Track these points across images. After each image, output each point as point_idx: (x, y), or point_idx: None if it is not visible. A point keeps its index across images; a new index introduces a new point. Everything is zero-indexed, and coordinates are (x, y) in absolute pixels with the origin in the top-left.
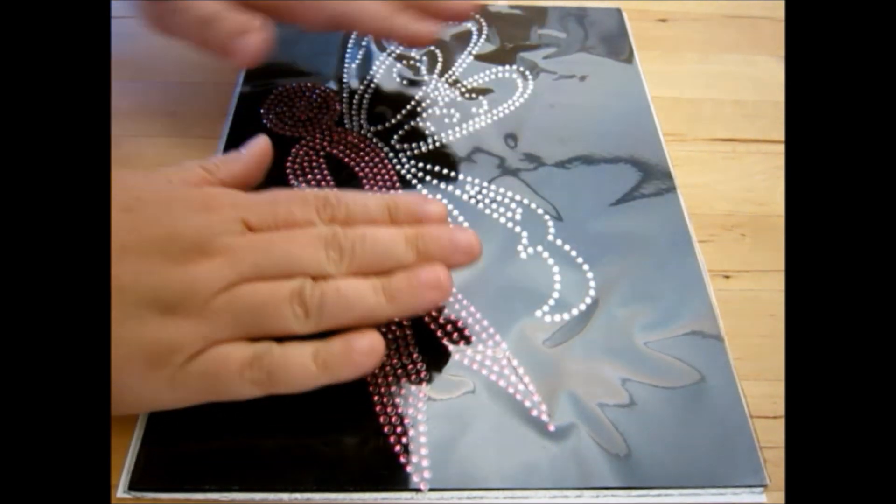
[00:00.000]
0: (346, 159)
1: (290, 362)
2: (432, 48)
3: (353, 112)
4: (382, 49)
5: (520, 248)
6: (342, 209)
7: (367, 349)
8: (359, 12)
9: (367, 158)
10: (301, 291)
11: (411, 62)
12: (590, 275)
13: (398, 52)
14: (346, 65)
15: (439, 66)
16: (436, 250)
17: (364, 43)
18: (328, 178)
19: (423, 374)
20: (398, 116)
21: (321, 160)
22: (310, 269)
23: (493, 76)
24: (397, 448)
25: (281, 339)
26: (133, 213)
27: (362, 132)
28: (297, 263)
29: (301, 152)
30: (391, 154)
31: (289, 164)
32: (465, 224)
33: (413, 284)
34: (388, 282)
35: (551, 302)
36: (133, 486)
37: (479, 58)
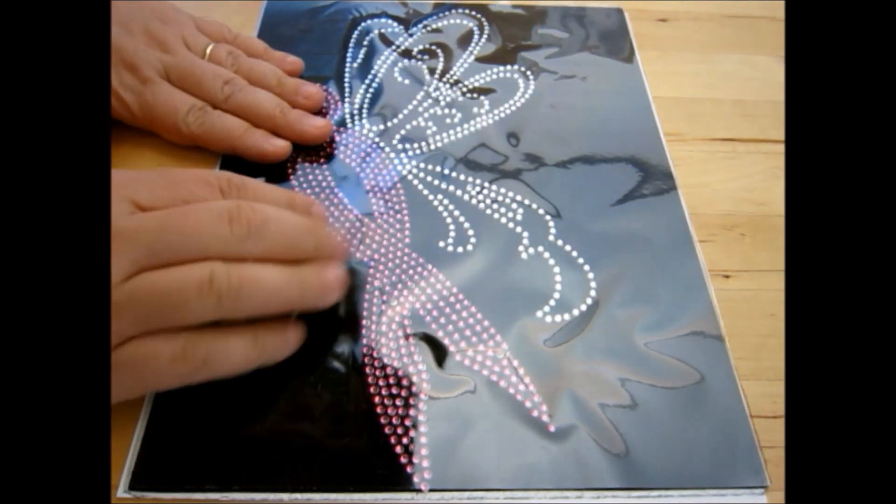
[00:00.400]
0: (347, 160)
1: (228, 349)
2: (433, 48)
3: (355, 112)
4: (389, 44)
5: (521, 248)
6: (248, 191)
7: (299, 334)
8: (215, 130)
9: (367, 159)
10: (211, 279)
11: (414, 61)
12: (590, 275)
13: (404, 47)
14: (347, 65)
15: (440, 66)
16: (327, 248)
17: (365, 43)
18: (328, 178)
19: (423, 375)
20: (399, 117)
21: (322, 160)
22: (213, 248)
23: (494, 76)
24: (398, 448)
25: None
26: None
27: (364, 132)
28: (200, 243)
29: (302, 152)
30: (392, 154)
31: (289, 163)
32: (467, 225)
33: (322, 281)
34: (300, 273)
35: (552, 302)
36: (133, 486)
37: (480, 58)
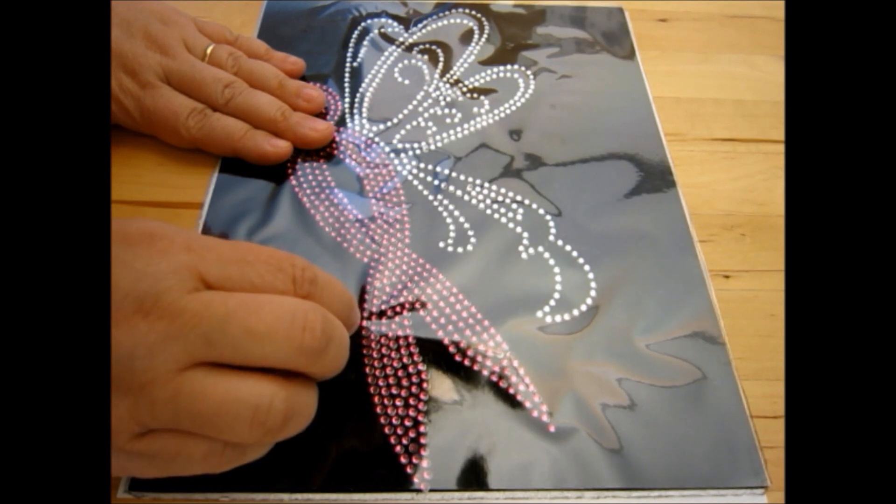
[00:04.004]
0: (347, 160)
1: (259, 448)
2: (433, 47)
3: (355, 112)
4: (389, 43)
5: (521, 248)
6: (318, 287)
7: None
8: (215, 133)
9: (368, 159)
10: (269, 409)
11: (414, 61)
12: (591, 275)
13: (404, 47)
14: (347, 64)
15: (440, 66)
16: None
17: (365, 42)
18: (328, 178)
19: (423, 375)
20: (399, 116)
21: (322, 160)
22: (278, 358)
23: (494, 76)
24: (398, 449)
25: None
26: None
27: (364, 132)
28: (265, 349)
29: (302, 152)
30: (392, 154)
31: (289, 164)
32: (467, 225)
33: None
34: (315, 397)
35: (552, 302)
36: (133, 486)
37: (480, 57)
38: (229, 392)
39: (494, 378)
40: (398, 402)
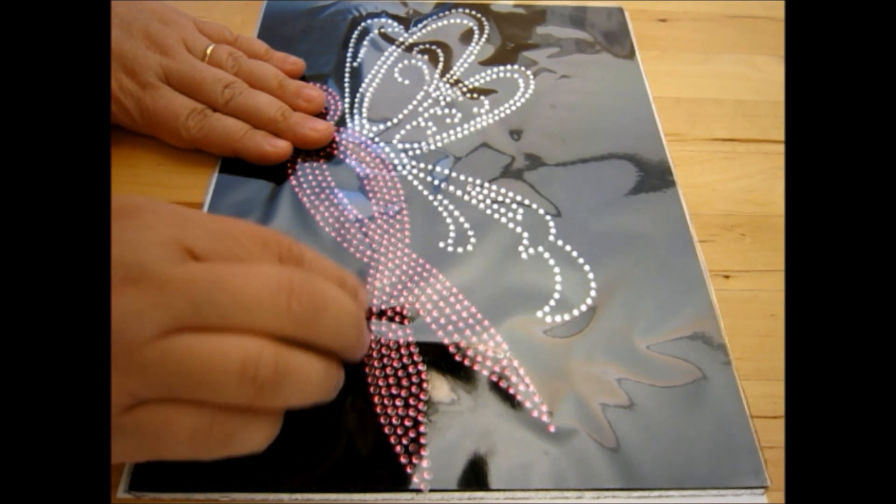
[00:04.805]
0: (347, 160)
1: (251, 432)
2: (433, 47)
3: (355, 112)
4: (389, 43)
5: (521, 248)
6: (305, 263)
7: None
8: (215, 134)
9: (367, 159)
10: (257, 362)
11: (414, 61)
12: (591, 275)
13: (404, 47)
14: (347, 64)
15: (441, 65)
16: (365, 343)
17: (365, 42)
18: (328, 178)
19: (423, 375)
20: (399, 116)
21: (321, 161)
22: (265, 322)
23: (494, 76)
24: (398, 448)
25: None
26: None
27: (363, 132)
28: (252, 313)
29: (302, 152)
30: (392, 154)
31: (289, 164)
32: (467, 225)
33: (341, 379)
34: (335, 370)
35: (552, 302)
36: (133, 486)
37: (480, 58)
38: (216, 347)
39: (494, 378)
40: (398, 403)
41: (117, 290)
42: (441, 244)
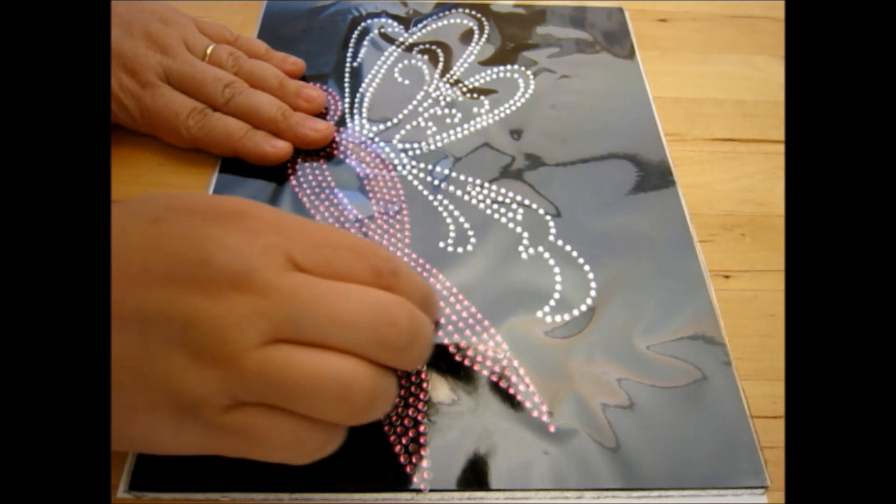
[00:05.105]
0: (347, 160)
1: (335, 442)
2: (433, 47)
3: (355, 112)
4: (389, 43)
5: (521, 248)
6: (401, 280)
7: None
8: (215, 133)
9: (367, 159)
10: (353, 385)
11: (414, 61)
12: (591, 275)
13: (404, 46)
14: (347, 64)
15: (441, 65)
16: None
17: (365, 42)
18: (328, 178)
19: (423, 375)
20: (399, 116)
21: (321, 161)
22: (362, 346)
23: (494, 76)
24: (398, 448)
25: None
26: (161, 224)
27: (363, 132)
28: (350, 336)
29: (302, 152)
30: (392, 154)
31: (289, 164)
32: (467, 225)
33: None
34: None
35: (552, 302)
36: (133, 486)
37: (480, 57)
38: (316, 365)
39: (494, 378)
40: (399, 403)
41: (224, 294)
42: (441, 244)
